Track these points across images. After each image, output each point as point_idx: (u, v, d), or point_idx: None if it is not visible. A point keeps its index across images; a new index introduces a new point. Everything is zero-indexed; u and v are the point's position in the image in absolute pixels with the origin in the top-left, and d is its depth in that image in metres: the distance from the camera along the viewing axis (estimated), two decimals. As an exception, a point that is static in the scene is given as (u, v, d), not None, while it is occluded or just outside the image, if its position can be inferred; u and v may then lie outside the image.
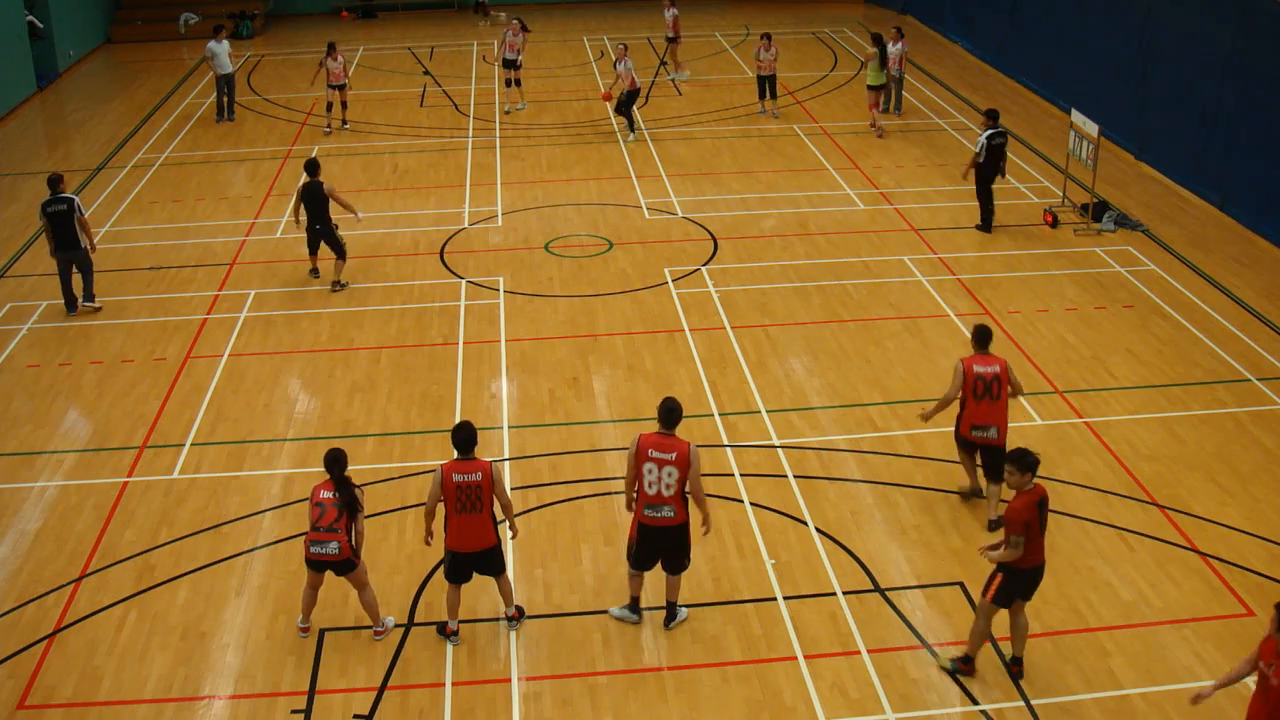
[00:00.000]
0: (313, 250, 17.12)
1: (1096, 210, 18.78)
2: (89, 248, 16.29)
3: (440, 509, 9.84)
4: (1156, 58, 21.16)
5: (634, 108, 23.41)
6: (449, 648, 10.09)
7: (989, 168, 18.23)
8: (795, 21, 33.28)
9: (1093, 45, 23.29)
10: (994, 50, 28.17)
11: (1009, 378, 11.33)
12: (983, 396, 11.24)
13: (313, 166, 16.70)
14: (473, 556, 9.88)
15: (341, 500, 9.77)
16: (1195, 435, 13.08)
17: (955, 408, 11.58)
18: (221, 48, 24.34)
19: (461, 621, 10.25)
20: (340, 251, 16.83)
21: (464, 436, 9.73)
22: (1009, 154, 18.98)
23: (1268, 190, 18.33)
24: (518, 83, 25.49)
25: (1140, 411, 13.56)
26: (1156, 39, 21.23)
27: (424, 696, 9.61)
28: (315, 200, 16.47)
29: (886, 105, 24.60)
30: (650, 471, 9.67)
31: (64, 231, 16.01)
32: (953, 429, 11.79)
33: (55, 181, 16.29)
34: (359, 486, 9.95)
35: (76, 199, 16.26)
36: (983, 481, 11.75)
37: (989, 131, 18.04)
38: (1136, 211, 19.26)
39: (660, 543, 9.96)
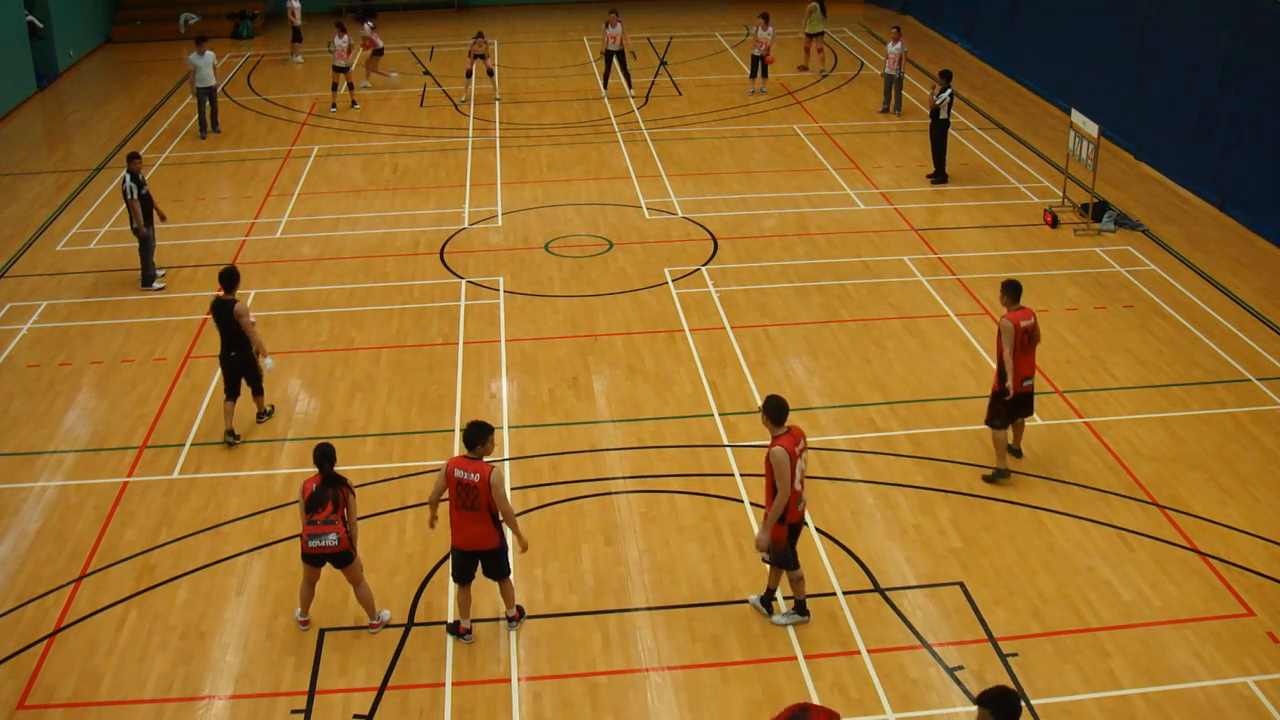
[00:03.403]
0: (230, 391, 13.16)
1: (1096, 210, 18.77)
2: (138, 229, 16.83)
3: (445, 505, 9.88)
4: (1156, 58, 21.15)
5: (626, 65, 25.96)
6: (449, 647, 10.08)
7: (947, 123, 20.39)
8: (796, 21, 33.22)
9: (1093, 45, 23.27)
10: (994, 50, 28.16)
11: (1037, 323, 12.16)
12: (1028, 348, 11.88)
13: (226, 279, 13.03)
14: (473, 555, 9.88)
15: (331, 494, 9.81)
16: (1195, 435, 13.08)
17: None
18: (204, 60, 23.07)
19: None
20: (257, 385, 13.37)
21: (470, 434, 9.74)
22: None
23: (1268, 190, 18.33)
24: (491, 73, 26.99)
25: (1140, 411, 13.56)
26: (1156, 39, 21.22)
27: (424, 696, 9.61)
28: (225, 321, 12.94)
29: (886, 105, 24.65)
30: (799, 469, 9.86)
31: (127, 209, 16.88)
32: (990, 399, 12.16)
33: (128, 159, 16.94)
34: (348, 482, 9.97)
35: (127, 181, 16.62)
36: (1010, 436, 12.44)
37: (949, 91, 20.25)
38: (1136, 211, 19.26)
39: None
